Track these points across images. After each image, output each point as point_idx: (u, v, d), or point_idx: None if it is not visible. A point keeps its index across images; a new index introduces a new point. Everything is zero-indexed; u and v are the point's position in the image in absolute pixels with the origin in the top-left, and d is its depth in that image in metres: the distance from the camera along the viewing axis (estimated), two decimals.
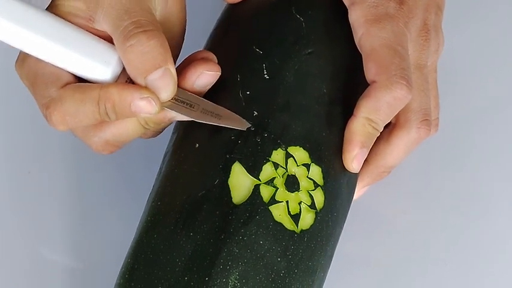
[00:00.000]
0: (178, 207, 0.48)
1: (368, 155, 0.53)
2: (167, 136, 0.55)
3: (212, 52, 0.50)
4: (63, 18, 0.47)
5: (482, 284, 0.60)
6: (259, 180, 0.48)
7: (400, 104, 0.51)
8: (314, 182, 0.50)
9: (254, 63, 0.52)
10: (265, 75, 0.51)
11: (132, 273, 0.48)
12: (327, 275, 0.52)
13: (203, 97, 0.50)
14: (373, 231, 0.61)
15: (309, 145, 0.50)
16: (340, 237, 0.53)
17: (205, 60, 0.49)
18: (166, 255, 0.47)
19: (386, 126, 0.54)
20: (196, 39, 0.55)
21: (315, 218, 0.49)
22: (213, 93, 0.50)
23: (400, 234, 0.61)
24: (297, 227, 0.48)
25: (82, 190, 0.62)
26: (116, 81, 0.48)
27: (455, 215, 0.61)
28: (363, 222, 0.60)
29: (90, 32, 0.48)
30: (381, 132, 0.53)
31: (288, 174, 0.49)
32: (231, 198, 0.48)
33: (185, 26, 0.53)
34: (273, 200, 0.48)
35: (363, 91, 0.52)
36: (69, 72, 0.48)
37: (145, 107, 0.46)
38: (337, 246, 0.53)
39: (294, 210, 0.49)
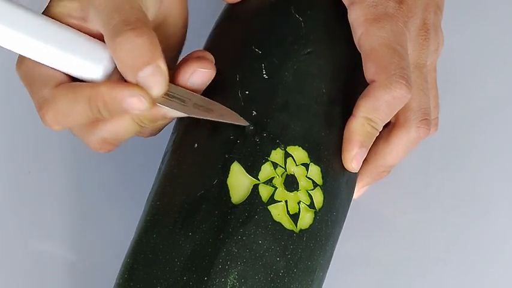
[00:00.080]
0: (177, 207, 0.48)
1: (367, 154, 0.53)
2: (167, 136, 0.55)
3: (211, 52, 0.50)
4: (58, 19, 0.47)
5: (482, 284, 0.60)
6: (258, 179, 0.48)
7: (399, 103, 0.51)
8: (313, 182, 0.50)
9: (253, 63, 0.52)
10: (264, 75, 0.51)
11: (131, 273, 0.48)
12: (327, 274, 0.52)
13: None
14: (372, 231, 0.61)
15: (308, 145, 0.50)
16: (340, 237, 0.53)
17: (199, 58, 0.49)
18: (166, 255, 0.47)
19: (385, 126, 0.54)
20: (196, 39, 0.55)
21: (314, 218, 0.49)
22: (212, 93, 0.50)
23: (400, 234, 0.61)
24: (296, 226, 0.48)
25: (82, 190, 0.62)
26: (109, 79, 0.48)
27: (455, 215, 0.61)
28: (362, 221, 0.60)
29: (84, 32, 0.48)
30: (380, 132, 0.53)
31: (287, 174, 0.49)
32: (230, 198, 0.48)
33: (186, 25, 0.53)
34: (272, 200, 0.48)
35: (362, 91, 0.52)
36: (63, 73, 0.48)
37: (135, 104, 0.46)
38: (337, 246, 0.53)
39: (293, 209, 0.49)
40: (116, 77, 0.48)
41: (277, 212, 0.48)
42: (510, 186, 0.63)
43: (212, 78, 0.50)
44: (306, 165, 0.50)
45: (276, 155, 0.49)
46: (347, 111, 0.52)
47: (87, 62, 0.47)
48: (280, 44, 0.53)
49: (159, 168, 0.53)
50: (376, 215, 0.61)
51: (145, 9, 0.48)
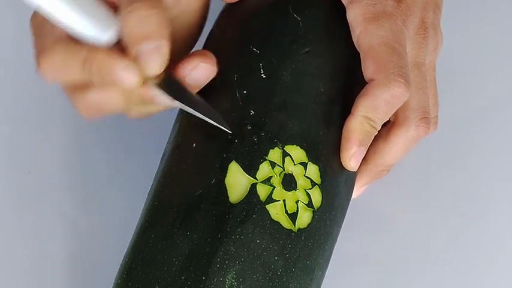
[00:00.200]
0: (176, 207, 0.48)
1: (367, 153, 0.53)
2: (166, 136, 0.55)
3: (210, 51, 0.50)
4: None
5: (482, 284, 0.60)
6: (256, 179, 0.48)
7: (398, 102, 0.51)
8: (311, 181, 0.50)
9: (251, 62, 0.52)
10: (262, 75, 0.51)
11: (130, 272, 0.48)
12: (326, 274, 0.52)
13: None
14: (372, 230, 0.61)
15: (306, 144, 0.50)
16: (339, 236, 0.53)
17: (203, 54, 0.49)
18: (164, 254, 0.47)
19: (385, 125, 0.54)
20: None
21: (313, 217, 0.49)
22: (210, 92, 0.50)
23: (400, 233, 0.61)
24: (294, 225, 0.48)
25: (82, 190, 0.62)
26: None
27: (454, 215, 0.61)
28: (362, 221, 0.60)
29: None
30: (379, 131, 0.53)
31: (285, 173, 0.49)
32: (228, 197, 0.48)
33: (202, 24, 0.53)
34: (270, 199, 0.48)
35: (361, 90, 0.52)
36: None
37: (125, 77, 0.46)
38: (336, 245, 0.53)
39: (291, 209, 0.49)
40: (116, 49, 0.48)
41: (275, 211, 0.48)
42: (510, 186, 0.63)
43: (212, 76, 0.50)
44: (304, 165, 0.50)
45: (274, 154, 0.49)
46: (345, 110, 0.52)
47: (95, 26, 0.46)
48: (279, 43, 0.53)
49: (158, 168, 0.53)
50: (375, 215, 0.61)
51: None
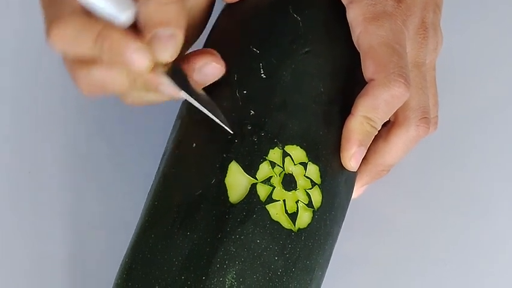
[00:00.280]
0: (176, 207, 0.48)
1: (367, 153, 0.53)
2: (166, 136, 0.55)
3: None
4: None
5: (482, 284, 0.60)
6: (256, 179, 0.48)
7: (398, 102, 0.51)
8: (311, 181, 0.50)
9: (251, 62, 0.52)
10: (262, 75, 0.51)
11: (130, 272, 0.48)
12: (326, 274, 0.52)
13: None
14: (372, 230, 0.61)
15: (306, 144, 0.50)
16: (339, 236, 0.53)
17: (214, 54, 0.50)
18: (164, 254, 0.47)
19: (385, 125, 0.54)
20: None
21: (313, 217, 0.49)
22: (210, 92, 0.50)
23: (400, 233, 0.61)
24: (294, 225, 0.48)
25: (82, 190, 0.62)
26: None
27: (455, 215, 0.61)
28: (362, 221, 0.60)
29: None
30: (379, 131, 0.53)
31: (285, 173, 0.49)
32: (228, 197, 0.48)
33: (205, 24, 0.54)
34: (270, 199, 0.48)
35: (361, 90, 0.52)
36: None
37: (136, 60, 0.45)
38: (336, 245, 0.53)
39: (291, 209, 0.49)
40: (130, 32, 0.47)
41: (275, 211, 0.48)
42: (510, 186, 0.63)
43: (218, 77, 0.50)
44: (304, 165, 0.50)
45: (274, 154, 0.49)
46: (345, 110, 0.52)
47: (115, 5, 0.46)
48: (279, 43, 0.53)
49: (158, 168, 0.53)
50: (375, 215, 0.61)
51: None
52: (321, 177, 0.50)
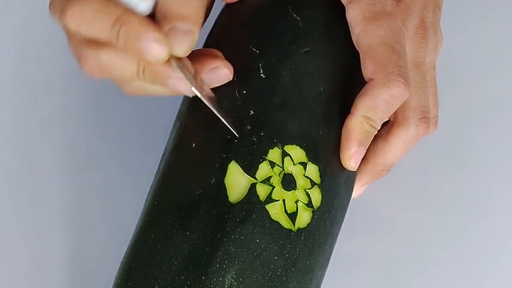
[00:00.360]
0: (175, 207, 0.48)
1: (366, 153, 0.53)
2: (166, 136, 0.55)
3: None
4: None
5: (482, 284, 0.60)
6: (256, 179, 0.48)
7: (398, 101, 0.51)
8: (311, 181, 0.50)
9: (251, 62, 0.52)
10: (262, 75, 0.51)
11: (130, 272, 0.48)
12: (326, 273, 0.52)
13: None
14: (372, 230, 0.61)
15: (306, 144, 0.50)
16: (339, 236, 0.53)
17: (227, 62, 0.50)
18: (163, 254, 0.47)
19: (385, 124, 0.54)
20: None
21: (312, 217, 0.49)
22: None
23: (400, 233, 0.61)
24: (294, 225, 0.48)
25: (81, 190, 0.62)
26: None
27: (454, 215, 0.61)
28: (362, 221, 0.60)
29: None
30: (379, 131, 0.53)
31: (284, 173, 0.49)
32: (228, 197, 0.48)
33: (210, 7, 0.53)
34: (269, 199, 0.48)
35: (360, 89, 0.52)
36: None
37: (153, 49, 0.45)
38: (336, 245, 0.53)
39: (290, 208, 0.49)
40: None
41: (275, 211, 0.48)
42: (510, 186, 0.63)
43: (223, 83, 0.50)
44: (304, 164, 0.50)
45: (274, 154, 0.49)
46: (345, 110, 0.52)
47: None
48: (278, 43, 0.53)
49: (158, 168, 0.53)
50: (375, 214, 0.61)
51: None
52: (320, 177, 0.50)
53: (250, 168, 0.48)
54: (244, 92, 0.51)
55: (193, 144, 0.50)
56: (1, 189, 0.63)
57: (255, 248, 0.47)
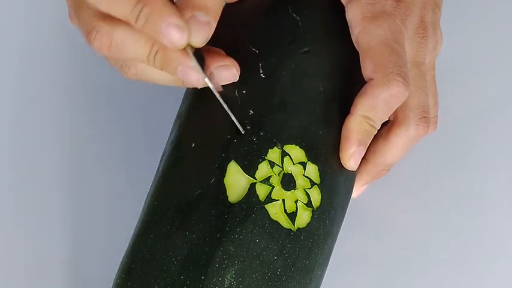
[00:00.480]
0: (175, 207, 0.48)
1: (366, 153, 0.53)
2: (165, 136, 0.55)
3: None
4: None
5: (482, 284, 0.59)
6: (255, 178, 0.48)
7: (397, 101, 0.51)
8: (310, 181, 0.50)
9: (250, 62, 0.52)
10: (262, 75, 0.51)
11: (129, 272, 0.48)
12: (325, 273, 0.52)
13: None
14: (372, 230, 0.61)
15: (306, 144, 0.50)
16: (339, 236, 0.53)
17: (235, 62, 0.50)
18: (163, 254, 0.47)
19: (384, 124, 0.54)
20: None
21: (312, 216, 0.49)
22: (209, 92, 0.50)
23: (400, 233, 0.61)
24: (294, 225, 0.48)
25: (82, 190, 0.62)
26: None
27: (454, 215, 0.61)
28: (361, 221, 0.60)
29: None
30: (379, 130, 0.53)
31: (284, 173, 0.49)
32: (227, 197, 0.48)
33: None
34: (269, 199, 0.48)
35: (360, 89, 0.52)
36: None
37: (175, 34, 0.45)
38: (336, 245, 0.53)
39: (290, 208, 0.49)
40: None
41: (275, 211, 0.48)
42: (510, 186, 0.62)
43: (228, 83, 0.50)
44: (304, 164, 0.50)
45: (273, 154, 0.49)
46: (345, 110, 0.52)
47: None
48: (278, 43, 0.53)
49: (158, 168, 0.53)
50: (375, 214, 0.61)
51: None
52: (320, 176, 0.50)
53: (249, 168, 0.48)
54: (244, 91, 0.51)
55: (193, 144, 0.50)
56: (1, 189, 0.63)
57: (255, 248, 0.47)
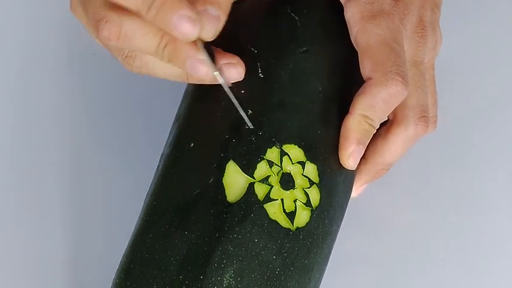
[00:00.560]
0: (174, 207, 0.48)
1: (366, 152, 0.53)
2: (164, 135, 0.55)
3: None
4: None
5: (482, 284, 0.60)
6: (254, 178, 0.48)
7: (396, 100, 0.51)
8: (309, 180, 0.50)
9: (249, 62, 0.51)
10: (260, 74, 0.51)
11: (128, 272, 0.48)
12: (325, 273, 0.52)
13: None
14: (371, 229, 0.61)
15: (304, 143, 0.50)
16: (338, 236, 0.53)
17: (241, 61, 0.50)
18: (162, 254, 0.47)
19: (384, 123, 0.54)
20: None
21: (311, 216, 0.49)
22: (209, 92, 0.50)
23: (399, 233, 0.61)
24: (293, 224, 0.48)
25: (81, 190, 0.62)
26: None
27: (454, 214, 0.61)
28: (361, 220, 0.60)
29: None
30: (378, 130, 0.53)
31: (282, 172, 0.49)
32: (226, 196, 0.48)
33: None
34: (267, 198, 0.48)
35: (359, 88, 0.52)
36: None
37: (186, 27, 0.45)
38: (335, 245, 0.53)
39: (289, 208, 0.49)
40: None
41: (274, 211, 0.48)
42: (510, 186, 0.62)
43: (232, 81, 0.50)
44: (302, 164, 0.50)
45: (272, 153, 0.49)
46: (343, 109, 0.52)
47: None
48: (276, 43, 0.53)
49: (157, 168, 0.53)
50: (374, 214, 0.61)
51: None
52: (319, 176, 0.50)
53: (248, 168, 0.48)
54: (243, 91, 0.51)
55: (192, 144, 0.50)
56: (1, 189, 0.63)
57: (254, 248, 0.47)
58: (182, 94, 0.56)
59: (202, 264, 0.46)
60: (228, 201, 0.48)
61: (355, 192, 0.56)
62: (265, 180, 0.48)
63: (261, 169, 0.49)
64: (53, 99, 0.65)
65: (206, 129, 0.50)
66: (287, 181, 0.49)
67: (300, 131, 0.50)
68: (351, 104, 0.52)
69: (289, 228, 0.48)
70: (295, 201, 0.49)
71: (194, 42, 0.47)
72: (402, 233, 0.61)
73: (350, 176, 0.54)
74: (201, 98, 0.52)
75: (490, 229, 0.61)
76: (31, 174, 0.63)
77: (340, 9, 0.54)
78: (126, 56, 0.50)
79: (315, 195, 0.50)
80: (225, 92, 0.49)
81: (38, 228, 0.61)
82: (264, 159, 0.49)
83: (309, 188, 0.50)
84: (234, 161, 0.48)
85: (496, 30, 0.68)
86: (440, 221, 0.61)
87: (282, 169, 0.49)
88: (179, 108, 0.55)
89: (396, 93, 0.51)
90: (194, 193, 0.48)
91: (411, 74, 0.53)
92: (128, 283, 0.48)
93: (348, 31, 0.53)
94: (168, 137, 0.54)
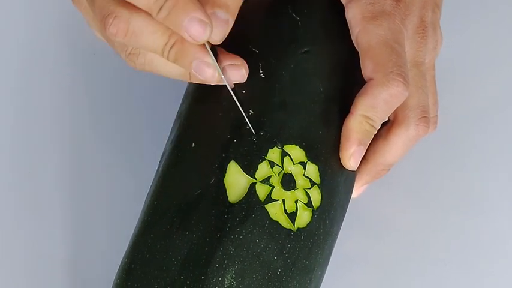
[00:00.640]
0: (175, 207, 0.48)
1: (366, 153, 0.53)
2: (165, 136, 0.55)
3: None
4: None
5: (482, 284, 0.60)
6: (255, 178, 0.48)
7: (397, 101, 0.51)
8: (310, 181, 0.50)
9: (250, 62, 0.51)
10: (261, 74, 0.51)
11: (129, 272, 0.48)
12: (325, 273, 0.52)
13: None
14: (372, 230, 0.61)
15: (305, 143, 0.50)
16: (339, 236, 0.53)
17: (245, 63, 0.50)
18: (163, 254, 0.47)
19: (384, 124, 0.54)
20: None
21: (312, 216, 0.49)
22: (209, 92, 0.50)
23: (400, 233, 0.61)
24: (294, 225, 0.48)
25: (82, 190, 0.62)
26: None
27: (454, 215, 0.61)
28: (362, 221, 0.60)
29: None
30: (379, 130, 0.53)
31: (284, 173, 0.49)
32: (227, 197, 0.48)
33: None
34: (269, 199, 0.48)
35: (360, 89, 0.52)
36: None
37: (197, 29, 0.45)
38: (336, 245, 0.53)
39: (290, 208, 0.49)
40: None
41: (275, 211, 0.48)
42: (510, 186, 0.62)
43: (236, 82, 0.50)
44: (304, 164, 0.50)
45: (273, 154, 0.49)
46: (344, 110, 0.52)
47: None
48: (277, 43, 0.53)
49: (158, 168, 0.53)
50: (375, 214, 0.61)
51: None
52: (320, 176, 0.50)
53: (249, 168, 0.48)
54: (244, 92, 0.51)
55: (193, 144, 0.50)
56: (1, 189, 0.63)
57: (255, 248, 0.47)
58: (183, 94, 0.56)
59: (204, 265, 0.46)
60: (229, 202, 0.48)
61: (355, 192, 0.56)
62: (266, 180, 0.48)
63: (262, 169, 0.49)
64: (53, 99, 0.65)
65: (207, 130, 0.50)
66: (288, 182, 0.49)
67: (301, 132, 0.50)
68: (352, 105, 0.52)
69: (290, 229, 0.48)
70: (296, 201, 0.49)
71: (202, 45, 0.47)
72: (403, 233, 0.61)
73: (351, 177, 0.54)
74: (202, 98, 0.52)
75: (491, 229, 0.61)
76: (31, 174, 0.63)
77: (341, 9, 0.54)
78: (129, 53, 0.50)
79: (316, 196, 0.50)
80: (226, 92, 0.49)
81: (38, 228, 0.61)
82: (265, 159, 0.49)
83: (310, 188, 0.50)
84: (236, 162, 0.48)
85: (497, 30, 0.68)
86: (441, 221, 0.61)
87: (283, 169, 0.49)
88: (180, 108, 0.55)
89: (397, 94, 0.51)
90: (195, 193, 0.48)
91: (412, 75, 0.53)
92: (129, 283, 0.48)
93: (349, 31, 0.53)
94: (169, 137, 0.54)
